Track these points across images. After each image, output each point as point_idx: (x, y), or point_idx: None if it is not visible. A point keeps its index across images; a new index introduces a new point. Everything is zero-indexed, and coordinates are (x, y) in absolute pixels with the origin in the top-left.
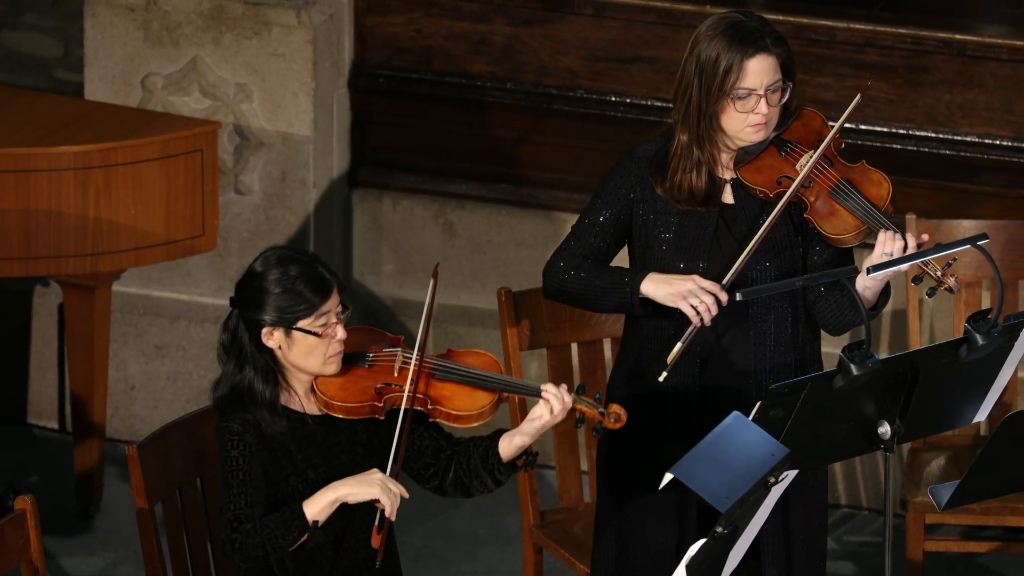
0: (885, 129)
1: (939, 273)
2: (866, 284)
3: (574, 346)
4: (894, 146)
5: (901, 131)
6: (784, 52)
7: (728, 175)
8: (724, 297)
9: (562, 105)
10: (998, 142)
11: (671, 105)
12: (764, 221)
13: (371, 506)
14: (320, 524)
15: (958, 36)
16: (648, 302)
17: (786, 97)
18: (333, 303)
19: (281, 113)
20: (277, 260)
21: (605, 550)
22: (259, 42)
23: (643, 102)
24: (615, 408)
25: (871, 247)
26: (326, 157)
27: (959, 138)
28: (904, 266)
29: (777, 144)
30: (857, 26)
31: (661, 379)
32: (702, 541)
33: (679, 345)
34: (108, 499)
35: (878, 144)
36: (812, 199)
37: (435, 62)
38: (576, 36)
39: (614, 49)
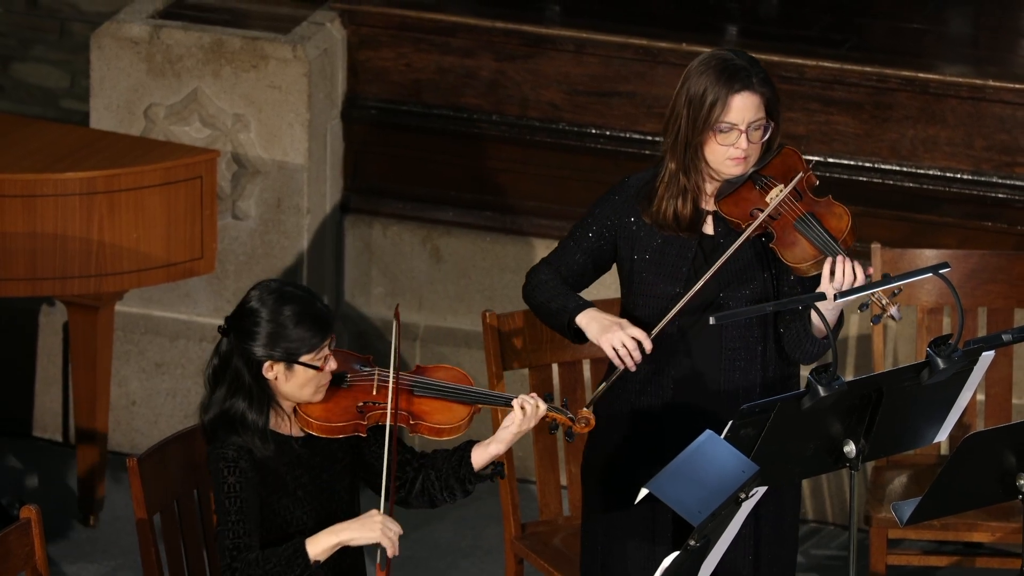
0: (851, 162)
1: (884, 301)
2: (824, 309)
3: (555, 366)
4: (860, 178)
5: (867, 164)
6: (769, 92)
7: (710, 207)
8: (648, 346)
9: (544, 136)
10: (959, 175)
11: (652, 137)
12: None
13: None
14: (319, 564)
15: (921, 74)
16: (581, 334)
17: (767, 135)
18: (331, 340)
19: (277, 142)
20: (278, 297)
21: (590, 564)
22: (256, 75)
23: (622, 134)
24: (584, 413)
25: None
26: (320, 185)
27: (921, 171)
28: (877, 290)
29: (754, 178)
30: (825, 64)
31: (582, 414)
32: (676, 553)
33: (603, 385)
34: (109, 509)
35: (844, 176)
36: (778, 230)
37: (424, 95)
38: (558, 71)
39: (594, 83)
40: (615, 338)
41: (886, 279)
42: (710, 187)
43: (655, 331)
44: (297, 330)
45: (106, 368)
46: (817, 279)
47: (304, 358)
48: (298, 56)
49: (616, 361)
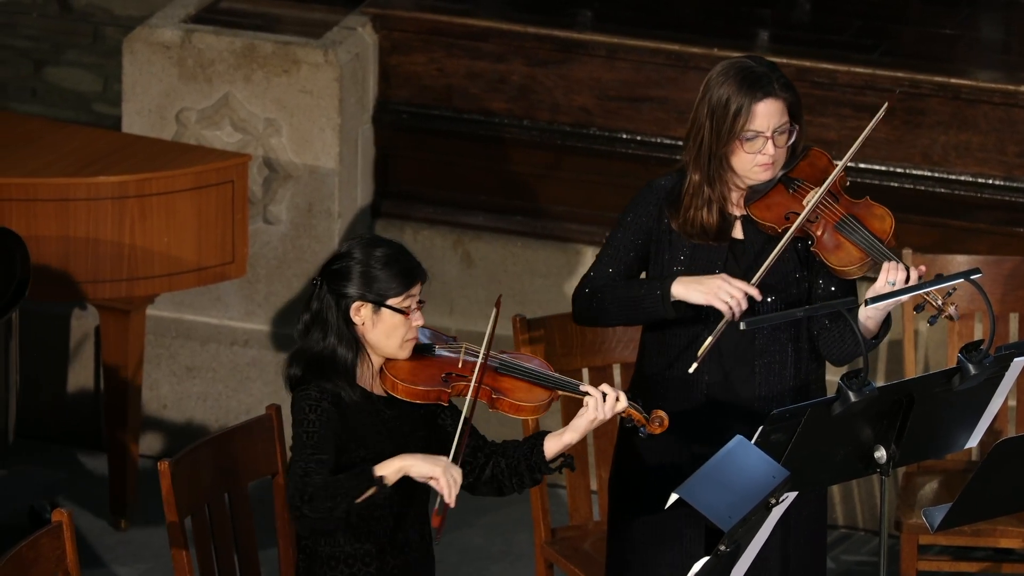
0: (883, 168)
1: (939, 302)
2: (868, 315)
3: (585, 371)
4: (892, 184)
5: (899, 170)
6: (791, 97)
7: (738, 212)
8: (756, 294)
9: (575, 142)
10: (990, 181)
11: (683, 143)
12: (770, 252)
13: (427, 489)
14: (386, 483)
15: (953, 80)
16: (679, 306)
17: (792, 139)
18: (418, 289)
19: (308, 147)
20: (370, 242)
21: (616, 571)
22: (288, 79)
23: (652, 139)
24: (658, 413)
25: (872, 280)
26: (351, 189)
27: (953, 177)
28: (904, 297)
29: (785, 182)
30: (857, 69)
31: (691, 370)
32: (706, 559)
33: (710, 339)
34: (140, 513)
35: (876, 182)
36: (819, 233)
37: (455, 100)
38: (589, 76)
39: (625, 89)
40: (723, 293)
41: (920, 284)
42: (736, 194)
43: (754, 279)
44: (385, 271)
45: (137, 372)
46: (853, 282)
47: (391, 301)
48: (329, 61)
49: (728, 313)
